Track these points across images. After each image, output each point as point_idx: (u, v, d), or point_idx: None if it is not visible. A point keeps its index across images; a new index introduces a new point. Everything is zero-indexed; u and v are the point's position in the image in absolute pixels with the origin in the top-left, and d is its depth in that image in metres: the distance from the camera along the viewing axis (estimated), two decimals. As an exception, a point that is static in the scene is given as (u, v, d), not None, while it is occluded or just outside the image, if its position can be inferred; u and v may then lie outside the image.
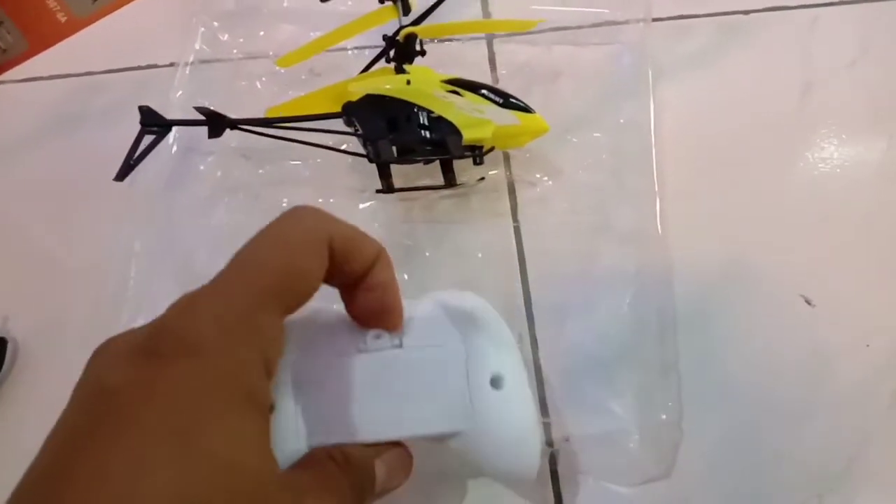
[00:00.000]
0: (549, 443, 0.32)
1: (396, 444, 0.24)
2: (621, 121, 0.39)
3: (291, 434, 0.22)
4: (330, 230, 0.21)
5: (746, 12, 0.42)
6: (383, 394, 0.23)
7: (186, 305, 0.18)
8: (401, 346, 0.24)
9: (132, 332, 0.19)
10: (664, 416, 0.32)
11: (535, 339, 0.35)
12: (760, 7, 0.42)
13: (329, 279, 0.22)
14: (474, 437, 0.24)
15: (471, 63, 0.41)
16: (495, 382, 0.25)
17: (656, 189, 0.37)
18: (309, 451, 0.22)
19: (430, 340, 0.24)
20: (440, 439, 0.24)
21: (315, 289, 0.21)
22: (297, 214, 0.21)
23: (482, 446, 0.24)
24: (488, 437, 0.24)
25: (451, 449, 0.25)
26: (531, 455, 0.25)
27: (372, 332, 0.24)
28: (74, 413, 0.17)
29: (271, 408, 0.22)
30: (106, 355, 0.18)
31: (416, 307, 0.25)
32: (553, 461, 0.32)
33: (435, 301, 0.25)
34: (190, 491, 0.15)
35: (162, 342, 0.17)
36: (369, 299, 0.23)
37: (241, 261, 0.20)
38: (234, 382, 0.17)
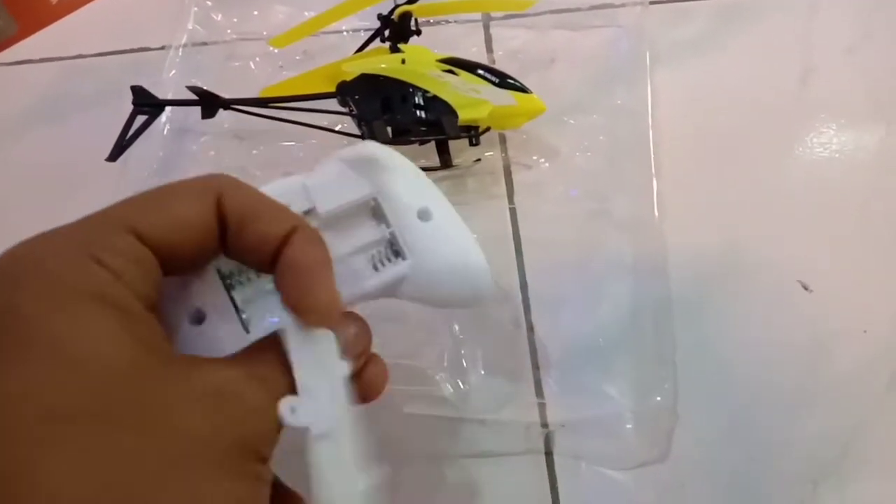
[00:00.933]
0: (545, 425, 0.32)
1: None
2: (618, 102, 0.38)
3: (231, 334, 0.21)
4: (222, 186, 0.19)
5: (746, -4, 0.42)
6: None
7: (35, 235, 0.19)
8: (316, 214, 0.23)
9: None
10: (659, 399, 0.32)
11: (531, 323, 0.34)
12: (760, -9, 0.42)
13: (230, 250, 0.20)
14: (422, 275, 0.24)
15: (467, 47, 0.41)
16: (423, 215, 0.24)
17: (653, 172, 0.36)
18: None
19: (343, 199, 0.23)
20: (390, 292, 0.24)
21: (197, 239, 0.19)
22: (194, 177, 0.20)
23: (433, 281, 0.24)
24: (434, 268, 0.24)
25: (405, 297, 0.24)
26: (481, 269, 0.25)
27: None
28: None
29: (196, 314, 0.21)
30: None
31: (319, 171, 0.24)
32: (548, 444, 0.32)
33: (337, 158, 0.24)
34: (35, 391, 0.15)
35: (8, 266, 0.18)
36: (283, 285, 0.19)
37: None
38: (74, 287, 0.17)
